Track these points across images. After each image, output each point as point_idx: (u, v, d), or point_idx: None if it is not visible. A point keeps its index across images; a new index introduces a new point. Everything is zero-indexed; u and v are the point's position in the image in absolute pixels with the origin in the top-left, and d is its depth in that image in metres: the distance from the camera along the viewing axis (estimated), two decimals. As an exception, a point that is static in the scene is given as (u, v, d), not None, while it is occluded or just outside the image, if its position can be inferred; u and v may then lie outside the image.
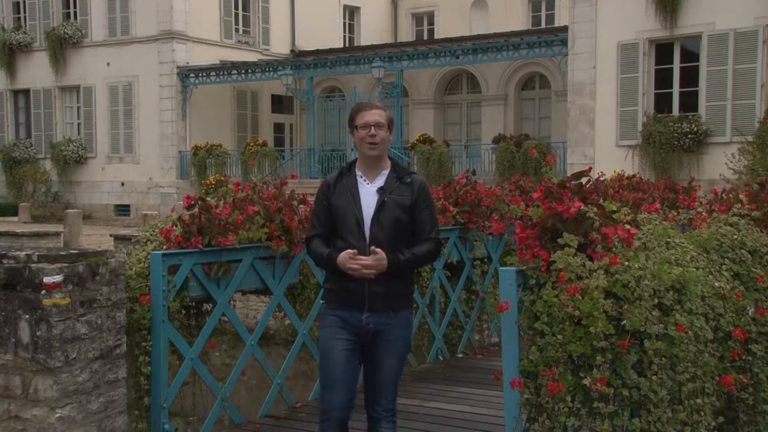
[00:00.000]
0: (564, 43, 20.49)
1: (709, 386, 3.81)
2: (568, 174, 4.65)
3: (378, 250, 3.72)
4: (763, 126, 17.22)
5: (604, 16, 19.43)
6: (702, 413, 3.72)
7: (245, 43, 28.00)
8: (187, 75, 25.86)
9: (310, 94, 25.89)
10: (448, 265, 7.38)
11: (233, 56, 26.94)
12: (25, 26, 28.76)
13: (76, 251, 4.28)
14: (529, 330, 3.55)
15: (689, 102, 18.87)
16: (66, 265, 4.08)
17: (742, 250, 4.64)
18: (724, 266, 4.47)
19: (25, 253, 4.11)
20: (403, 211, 3.83)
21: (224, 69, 26.02)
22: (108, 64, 26.96)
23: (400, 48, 26.11)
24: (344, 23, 31.36)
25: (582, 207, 3.59)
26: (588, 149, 19.86)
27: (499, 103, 25.72)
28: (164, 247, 5.10)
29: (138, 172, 26.81)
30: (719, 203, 5.67)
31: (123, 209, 27.20)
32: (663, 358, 3.52)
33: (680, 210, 7.33)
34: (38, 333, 4.00)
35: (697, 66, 18.66)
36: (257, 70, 25.88)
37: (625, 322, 3.43)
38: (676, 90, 19.11)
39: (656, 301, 3.57)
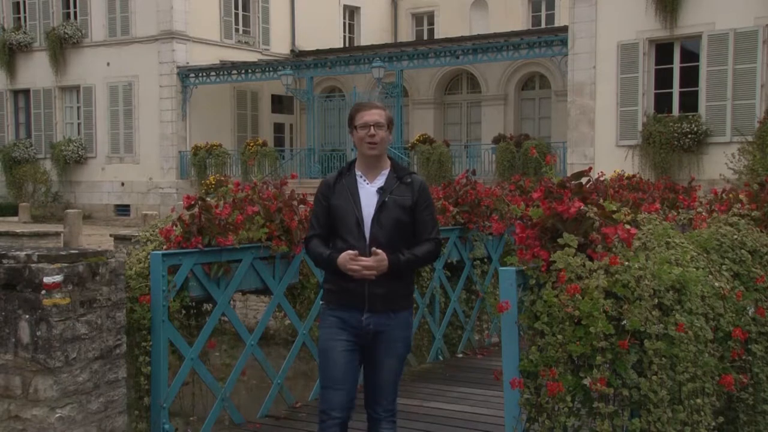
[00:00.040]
0: (564, 43, 20.49)
1: (709, 386, 3.81)
2: (568, 174, 4.65)
3: (379, 251, 3.71)
4: (763, 126, 17.22)
5: (604, 16, 19.44)
6: (702, 413, 3.72)
7: (245, 43, 28.00)
8: (187, 75, 25.86)
9: (310, 94, 25.89)
10: (448, 265, 7.38)
11: (233, 56, 26.94)
12: (25, 26, 28.76)
13: (76, 251, 4.28)
14: (529, 330, 3.55)
15: (689, 102, 18.87)
16: (66, 265, 4.08)
17: (742, 250, 4.64)
18: (724, 266, 4.47)
19: (25, 253, 4.11)
20: (403, 211, 3.81)
21: (224, 69, 26.02)
22: (108, 64, 26.96)
23: (400, 48, 26.11)
24: (344, 23, 31.36)
25: (582, 207, 3.59)
26: (588, 149, 19.86)
27: (499, 103, 25.72)
28: (164, 247, 5.10)
29: (138, 172, 26.81)
30: (719, 203, 5.67)
31: (123, 209, 27.20)
32: (663, 358, 3.52)
33: (680, 210, 7.32)
34: (38, 333, 4.00)
35: (697, 66, 18.66)
36: (257, 70, 25.88)
37: (625, 322, 3.43)
38: (676, 90, 19.11)
39: (656, 301, 3.57)
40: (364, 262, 3.70)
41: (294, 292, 5.94)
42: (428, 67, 24.64)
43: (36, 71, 28.39)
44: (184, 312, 5.13)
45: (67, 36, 27.43)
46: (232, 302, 5.50)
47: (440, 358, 7.39)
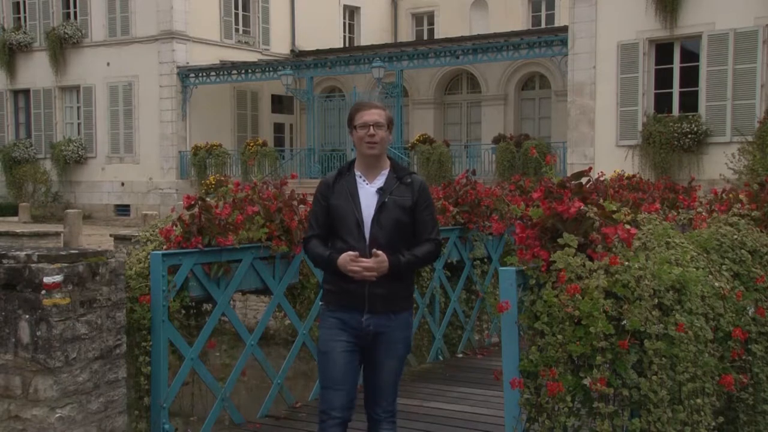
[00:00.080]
0: (564, 43, 20.50)
1: (709, 386, 3.81)
2: (568, 174, 4.65)
3: (379, 252, 3.69)
4: (763, 126, 17.22)
5: (604, 16, 19.44)
6: (702, 413, 3.72)
7: (245, 43, 28.01)
8: (187, 75, 25.87)
9: (310, 94, 25.89)
10: (448, 265, 7.38)
11: (233, 56, 26.94)
12: (25, 26, 28.77)
13: (76, 251, 4.28)
14: (529, 330, 3.55)
15: (689, 102, 18.88)
16: (66, 265, 4.08)
17: (742, 250, 4.64)
18: (724, 266, 4.47)
19: (25, 253, 4.11)
20: (403, 211, 3.80)
21: (224, 69, 26.02)
22: (108, 64, 26.97)
23: (400, 48, 26.11)
24: (344, 23, 31.36)
25: (582, 207, 3.59)
26: (588, 149, 19.86)
27: (499, 103, 25.72)
28: (164, 247, 5.10)
29: (138, 172, 26.81)
30: (719, 203, 5.67)
31: (123, 209, 27.21)
32: (663, 358, 3.52)
33: (680, 210, 7.32)
34: (38, 333, 4.00)
35: (697, 66, 18.66)
36: (257, 70, 25.88)
37: (625, 322, 3.43)
38: (676, 90, 19.11)
39: (656, 301, 3.57)
40: (364, 264, 3.69)
41: (294, 292, 5.94)
42: (428, 67, 24.64)
43: (36, 71, 28.40)
44: (184, 312, 5.13)
45: (67, 36, 27.43)
46: (232, 302, 5.50)
47: (440, 358, 7.39)
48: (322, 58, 26.24)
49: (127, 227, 21.64)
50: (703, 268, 4.14)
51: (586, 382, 3.37)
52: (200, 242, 5.07)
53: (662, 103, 19.21)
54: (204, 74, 25.96)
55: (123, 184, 27.15)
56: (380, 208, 3.79)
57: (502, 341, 3.63)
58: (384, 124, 3.82)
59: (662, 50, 19.22)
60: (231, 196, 5.70)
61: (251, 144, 25.41)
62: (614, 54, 19.33)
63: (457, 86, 27.36)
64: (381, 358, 3.86)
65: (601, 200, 3.83)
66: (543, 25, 27.65)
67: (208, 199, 5.44)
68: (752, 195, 5.58)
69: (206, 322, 5.28)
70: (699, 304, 3.84)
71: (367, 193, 3.83)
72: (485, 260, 7.77)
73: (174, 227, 5.19)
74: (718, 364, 3.98)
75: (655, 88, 19.29)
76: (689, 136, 18.37)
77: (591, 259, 3.51)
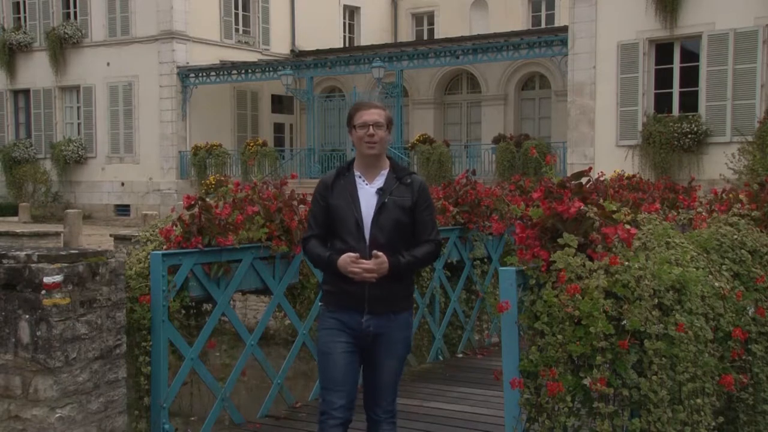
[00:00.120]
0: (564, 43, 20.49)
1: (709, 386, 3.81)
2: (568, 174, 4.65)
3: (380, 253, 3.68)
4: (763, 126, 17.22)
5: (604, 16, 19.44)
6: (702, 413, 3.72)
7: (245, 43, 28.01)
8: (187, 75, 25.87)
9: (310, 94, 25.89)
10: (448, 265, 7.38)
11: (233, 56, 26.95)
12: (25, 26, 28.77)
13: (76, 251, 4.28)
14: (529, 330, 3.55)
15: (689, 102, 18.88)
16: (66, 265, 4.08)
17: (742, 250, 4.64)
18: (724, 266, 4.47)
19: (25, 253, 4.11)
20: (403, 212, 3.79)
21: (224, 69, 26.03)
22: (108, 64, 26.97)
23: (400, 48, 26.11)
24: (344, 23, 31.37)
25: (582, 207, 3.59)
26: (588, 149, 19.86)
27: (499, 103, 25.72)
28: (164, 247, 5.10)
29: (138, 172, 26.81)
30: (719, 203, 5.67)
31: (123, 209, 27.21)
32: (663, 358, 3.52)
33: (680, 210, 7.32)
34: (38, 333, 4.00)
35: (697, 66, 18.66)
36: (257, 70, 25.88)
37: (625, 322, 3.43)
38: (676, 90, 19.11)
39: (656, 301, 3.57)
40: (364, 265, 3.68)
41: (294, 292, 5.94)
42: (428, 67, 24.64)
43: (36, 71, 28.40)
44: (184, 312, 5.13)
45: (67, 36, 27.43)
46: (232, 302, 5.50)
47: (440, 358, 7.39)
48: (322, 58, 26.25)
49: (127, 227, 21.65)
50: (703, 268, 4.14)
51: (586, 382, 3.37)
52: (200, 242, 5.07)
53: (662, 103, 19.21)
54: (204, 74, 25.96)
55: (123, 184, 27.15)
56: (380, 208, 3.77)
57: (502, 341, 3.63)
58: (383, 123, 3.81)
59: (662, 50, 19.22)
60: (231, 196, 5.70)
61: (251, 144, 25.41)
62: (614, 54, 19.33)
63: (457, 86, 27.36)
64: (381, 358, 3.86)
65: (601, 200, 3.83)
66: (543, 25, 27.65)
67: (208, 199, 5.44)
68: (752, 195, 5.58)
69: (206, 322, 5.28)
70: (699, 304, 3.84)
71: (367, 194, 3.81)
72: (485, 260, 7.77)
73: (174, 227, 5.19)
74: (718, 364, 3.98)
75: (655, 88, 19.30)
76: (689, 136, 18.37)
77: (591, 259, 3.51)
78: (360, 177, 3.86)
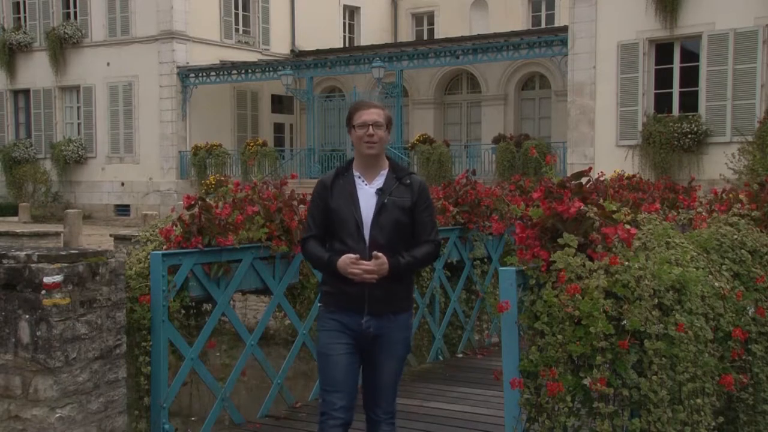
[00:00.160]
0: (564, 43, 20.50)
1: (709, 386, 3.81)
2: (568, 174, 4.65)
3: (380, 254, 3.67)
4: (763, 126, 17.22)
5: (604, 16, 19.44)
6: (702, 413, 3.72)
7: (245, 43, 28.01)
8: (187, 75, 25.87)
9: (310, 94, 25.89)
10: (448, 265, 7.38)
11: (233, 56, 26.95)
12: (25, 26, 28.77)
13: (76, 251, 4.28)
14: (529, 330, 3.55)
15: (689, 102, 18.88)
16: (66, 265, 4.08)
17: (742, 250, 4.64)
18: (724, 266, 4.47)
19: (25, 253, 4.11)
20: (403, 212, 3.78)
21: (224, 69, 26.03)
22: (108, 64, 26.97)
23: (400, 48, 26.11)
24: (344, 23, 31.37)
25: (582, 207, 3.59)
26: (588, 149, 19.86)
27: (499, 103, 25.72)
28: (164, 247, 5.10)
29: (138, 172, 26.81)
30: (719, 203, 5.67)
31: (123, 209, 27.21)
32: (663, 358, 3.52)
33: (680, 210, 7.33)
34: (38, 333, 4.00)
35: (697, 66, 18.66)
36: (257, 70, 25.88)
37: (625, 322, 3.43)
38: (676, 90, 19.11)
39: (656, 301, 3.57)
40: (365, 266, 3.66)
41: (294, 292, 5.94)
42: (428, 67, 24.64)
43: (36, 71, 28.40)
44: (184, 312, 5.13)
45: (67, 36, 27.43)
46: (232, 302, 5.50)
47: (440, 358, 7.39)
48: (322, 58, 26.25)
49: (127, 227, 21.65)
50: (703, 268, 4.14)
51: (586, 382, 3.37)
52: (200, 242, 5.07)
53: (662, 103, 19.22)
54: (204, 74, 25.96)
55: (123, 184, 27.16)
56: (380, 209, 3.76)
57: (502, 341, 3.63)
58: (383, 123, 3.80)
59: (662, 50, 19.22)
60: (231, 196, 5.70)
61: (251, 144, 25.41)
62: (614, 54, 19.33)
63: (457, 86, 27.36)
64: (381, 359, 3.85)
65: (601, 200, 3.83)
66: (543, 25, 27.65)
67: (208, 199, 5.44)
68: (752, 195, 5.58)
69: (206, 322, 5.28)
70: (699, 304, 3.84)
71: (367, 194, 3.80)
72: (485, 260, 7.77)
73: (174, 227, 5.19)
74: (718, 364, 3.98)
75: (655, 88, 19.29)
76: (689, 136, 18.37)
77: (591, 259, 3.51)
78: (359, 177, 3.84)
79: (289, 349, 6.09)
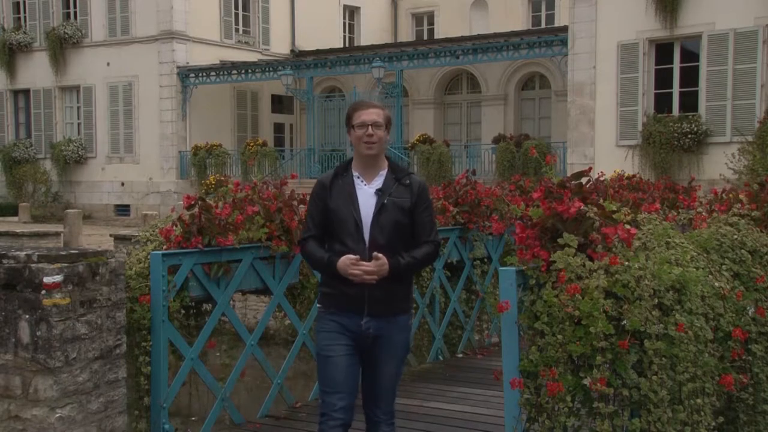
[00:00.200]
0: (564, 43, 20.50)
1: (709, 386, 3.81)
2: (568, 174, 4.65)
3: (380, 255, 3.66)
4: (763, 126, 17.22)
5: (604, 16, 19.44)
6: (702, 413, 3.72)
7: (245, 43, 28.01)
8: (187, 75, 25.87)
9: (310, 94, 25.89)
10: (448, 265, 7.38)
11: (233, 56, 26.95)
12: (25, 26, 28.77)
13: (76, 251, 4.28)
14: (529, 330, 3.55)
15: (689, 102, 18.88)
16: (66, 265, 4.08)
17: (742, 250, 4.64)
18: (724, 266, 4.47)
19: (25, 253, 4.11)
20: (402, 213, 3.77)
21: (224, 69, 26.03)
22: (108, 64, 26.97)
23: (400, 48, 26.11)
24: (344, 23, 31.36)
25: (582, 207, 3.59)
26: (588, 149, 19.86)
27: (499, 103, 25.72)
28: (164, 247, 5.10)
29: (138, 172, 26.81)
30: (719, 203, 5.67)
31: (123, 209, 27.21)
32: (663, 358, 3.52)
33: (680, 210, 7.33)
34: (38, 333, 4.00)
35: (697, 66, 18.66)
36: (257, 70, 25.88)
37: (625, 322, 3.43)
38: (676, 90, 19.11)
39: (656, 301, 3.57)
40: (365, 267, 3.65)
41: (294, 292, 5.94)
42: (428, 67, 24.64)
43: (36, 71, 28.40)
44: (184, 312, 5.13)
45: (67, 36, 27.43)
46: (232, 302, 5.50)
47: (440, 358, 7.39)
48: (322, 58, 26.25)
49: (127, 227, 21.65)
50: (703, 268, 4.14)
51: (586, 382, 3.37)
52: (200, 242, 5.07)
53: (662, 103, 19.21)
54: (204, 74, 25.96)
55: (123, 184, 27.16)
56: (379, 209, 3.75)
57: (502, 341, 3.63)
58: (382, 123, 3.78)
59: (662, 50, 19.22)
60: (231, 196, 5.70)
61: (251, 144, 25.41)
62: (614, 54, 19.33)
63: (457, 86, 27.36)
64: (380, 360, 3.84)
65: (601, 200, 3.83)
66: (543, 25, 27.65)
67: (208, 199, 5.44)
68: (752, 195, 5.58)
69: (206, 322, 5.28)
70: (699, 304, 3.84)
71: (366, 195, 3.78)
72: (485, 260, 7.77)
73: (174, 227, 5.19)
74: (718, 364, 3.98)
75: (655, 88, 19.29)
76: (689, 136, 18.37)
77: (591, 259, 3.51)
78: (358, 177, 3.83)
79: (289, 349, 6.09)
